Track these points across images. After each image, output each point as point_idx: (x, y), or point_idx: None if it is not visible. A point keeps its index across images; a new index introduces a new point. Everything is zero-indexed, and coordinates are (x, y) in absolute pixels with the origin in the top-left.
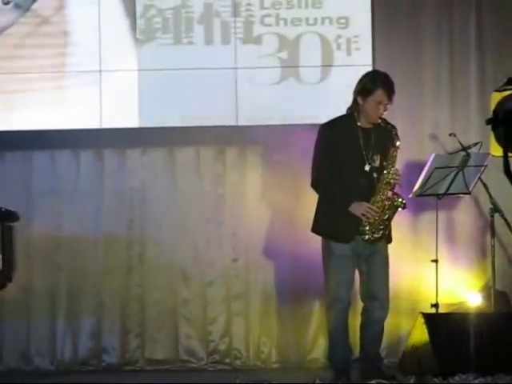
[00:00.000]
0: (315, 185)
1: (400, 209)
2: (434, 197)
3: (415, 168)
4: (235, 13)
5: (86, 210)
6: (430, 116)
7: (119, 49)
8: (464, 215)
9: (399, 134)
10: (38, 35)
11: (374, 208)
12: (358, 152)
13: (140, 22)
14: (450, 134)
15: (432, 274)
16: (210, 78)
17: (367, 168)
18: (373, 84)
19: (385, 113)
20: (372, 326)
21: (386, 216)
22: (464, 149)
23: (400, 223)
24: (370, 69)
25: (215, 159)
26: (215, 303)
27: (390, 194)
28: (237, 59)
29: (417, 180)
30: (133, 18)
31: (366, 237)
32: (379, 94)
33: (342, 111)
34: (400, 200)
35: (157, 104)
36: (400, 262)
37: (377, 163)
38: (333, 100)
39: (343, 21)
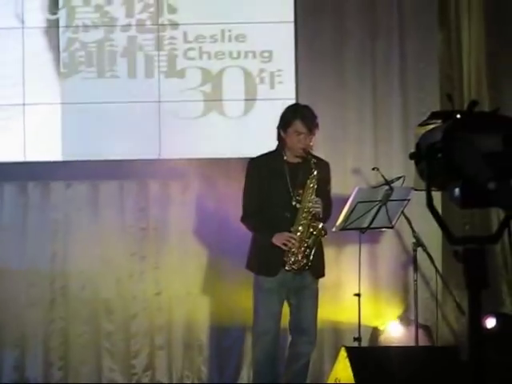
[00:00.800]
0: (243, 219)
1: (321, 237)
2: (357, 230)
3: (338, 202)
4: (159, 46)
5: (9, 243)
6: (353, 150)
7: (43, 82)
8: (387, 249)
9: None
10: None
11: (294, 237)
12: (285, 187)
13: (64, 56)
14: (373, 168)
15: (355, 308)
16: (133, 111)
17: (293, 203)
18: (291, 115)
19: (310, 144)
20: (298, 360)
21: (307, 245)
22: (387, 183)
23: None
24: (293, 102)
25: (138, 193)
26: (138, 336)
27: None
28: (160, 93)
29: (340, 213)
30: (56, 51)
31: (290, 266)
32: (298, 125)
33: (266, 145)
34: (319, 227)
35: (80, 137)
36: (323, 296)
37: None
38: (256, 134)
39: (267, 54)
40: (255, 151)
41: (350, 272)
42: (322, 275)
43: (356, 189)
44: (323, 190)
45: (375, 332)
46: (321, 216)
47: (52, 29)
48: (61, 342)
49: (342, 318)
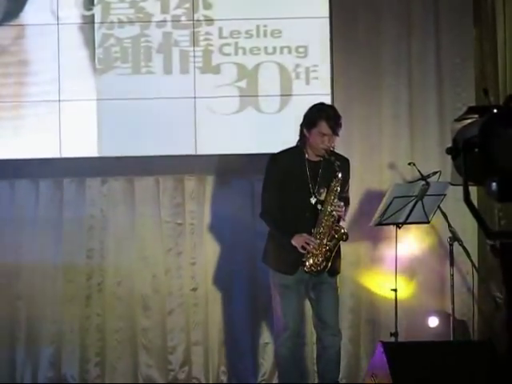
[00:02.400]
0: (262, 216)
1: (342, 241)
2: (394, 226)
3: (375, 197)
4: (194, 42)
5: (46, 239)
6: (389, 145)
7: (78, 78)
8: (423, 244)
9: (358, 163)
10: None
11: (314, 240)
12: (305, 185)
13: (99, 52)
14: (410, 163)
15: (391, 303)
16: (168, 107)
17: (313, 201)
18: (317, 116)
19: (332, 145)
20: (326, 354)
21: (328, 247)
22: (423, 178)
23: (359, 252)
24: (328, 98)
25: (174, 189)
26: (175, 332)
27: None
28: (196, 88)
29: (376, 209)
30: (92, 47)
31: (308, 268)
32: (323, 126)
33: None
34: (341, 231)
35: (116, 133)
36: (360, 291)
37: (322, 196)
38: (292, 129)
39: (302, 50)
40: (291, 142)
41: (386, 267)
42: (338, 273)
43: (392, 184)
44: (342, 187)
45: (412, 327)
46: (344, 220)
47: (87, 25)
48: (97, 338)
49: (379, 312)
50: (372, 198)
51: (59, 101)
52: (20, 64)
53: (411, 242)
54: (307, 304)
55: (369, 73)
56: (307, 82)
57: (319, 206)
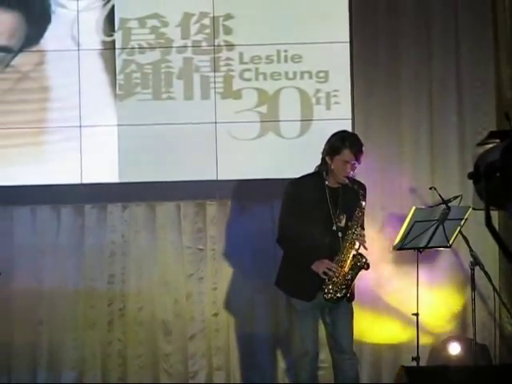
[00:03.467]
0: (280, 241)
1: (363, 269)
2: (415, 250)
3: (395, 221)
4: (215, 67)
5: (67, 264)
6: (409, 169)
7: (99, 104)
8: (444, 268)
9: (379, 187)
10: (18, 91)
11: (335, 266)
12: (326, 211)
13: (119, 78)
14: (431, 188)
15: (413, 327)
16: (189, 132)
17: (334, 228)
18: (340, 144)
19: (352, 173)
20: (344, 377)
21: (349, 276)
22: (444, 202)
23: (381, 276)
24: (349, 122)
25: (195, 214)
26: (196, 357)
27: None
28: (216, 114)
29: (397, 233)
30: (112, 73)
31: (328, 296)
32: (347, 154)
33: (318, 162)
34: (363, 260)
35: (137, 159)
36: (381, 315)
37: (342, 223)
38: (312, 154)
39: (322, 75)
40: (310, 169)
41: (407, 291)
42: (353, 298)
43: (413, 208)
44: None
45: (433, 351)
46: (366, 248)
47: (108, 51)
48: (119, 363)
49: (400, 337)
50: (393, 222)
51: (80, 126)
52: (41, 90)
53: (432, 267)
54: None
55: (389, 97)
56: (328, 107)
57: (340, 234)
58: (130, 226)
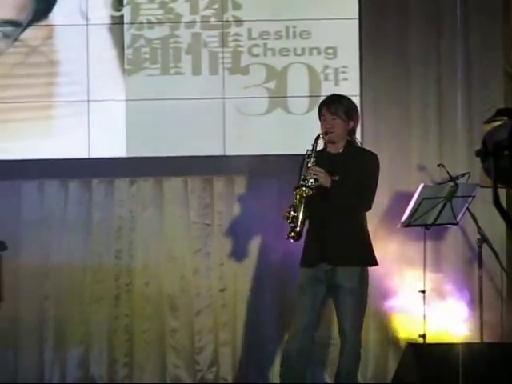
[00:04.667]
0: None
1: (304, 195)
2: (422, 227)
3: (403, 198)
4: (223, 43)
5: (74, 239)
6: (417, 146)
7: (107, 79)
8: (452, 246)
9: (386, 164)
10: (27, 65)
11: (288, 209)
12: None
13: (128, 52)
14: (439, 165)
15: (419, 305)
16: (197, 108)
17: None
18: (320, 105)
19: (334, 130)
20: (340, 365)
21: (292, 207)
22: (452, 179)
23: (387, 253)
24: (357, 99)
25: (203, 189)
26: (203, 333)
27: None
28: (224, 89)
29: (405, 210)
30: (121, 47)
31: (286, 236)
32: (321, 109)
33: None
34: (297, 186)
35: (144, 134)
36: (387, 293)
37: None
38: (320, 130)
39: (331, 51)
40: (319, 148)
41: (414, 269)
42: (354, 264)
43: (421, 185)
44: (361, 179)
45: (439, 329)
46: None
47: (116, 25)
48: (126, 338)
49: (407, 314)
50: (400, 199)
51: (88, 101)
52: (49, 64)
53: (440, 244)
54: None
55: (397, 74)
56: (336, 83)
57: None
58: (137, 200)
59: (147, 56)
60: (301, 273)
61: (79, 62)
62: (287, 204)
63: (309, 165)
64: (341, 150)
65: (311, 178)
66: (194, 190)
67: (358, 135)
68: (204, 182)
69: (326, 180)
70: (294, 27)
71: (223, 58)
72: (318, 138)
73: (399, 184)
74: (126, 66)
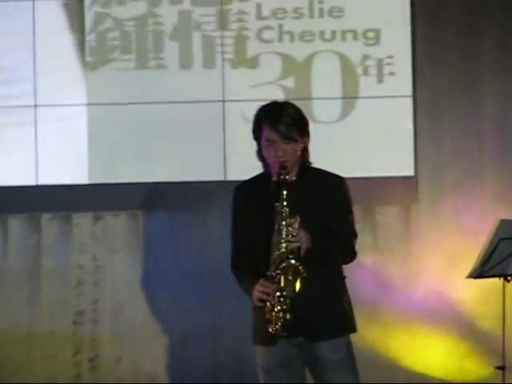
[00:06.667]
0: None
1: (299, 278)
2: (500, 278)
3: (471, 237)
4: (222, 25)
5: (17, 297)
6: (492, 168)
7: (61, 75)
8: None
9: (449, 187)
10: None
11: (269, 284)
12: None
13: (90, 38)
14: None
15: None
16: (187, 114)
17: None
18: (258, 118)
19: (282, 155)
20: None
21: (281, 293)
22: None
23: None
24: (409, 100)
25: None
26: None
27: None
28: (225, 89)
29: (474, 254)
30: (80, 32)
31: (274, 326)
32: (266, 130)
33: (369, 157)
34: (290, 264)
35: (113, 152)
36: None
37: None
38: (357, 144)
39: (372, 35)
40: (356, 165)
41: (490, 337)
42: (340, 334)
43: (498, 220)
44: (338, 218)
45: None
46: (302, 252)
47: (74, 1)
48: None
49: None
50: (468, 237)
51: (35, 106)
52: None
53: None
54: None
55: (465, 67)
56: (379, 80)
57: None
58: (104, 243)
59: (117, 43)
60: (258, 352)
61: (23, 52)
62: None
63: (282, 225)
64: (294, 178)
65: (292, 244)
66: (183, 225)
67: (408, 156)
68: (195, 215)
69: (308, 241)
70: (321, 2)
71: (222, 45)
72: (279, 184)
73: (466, 216)
74: (88, 58)
